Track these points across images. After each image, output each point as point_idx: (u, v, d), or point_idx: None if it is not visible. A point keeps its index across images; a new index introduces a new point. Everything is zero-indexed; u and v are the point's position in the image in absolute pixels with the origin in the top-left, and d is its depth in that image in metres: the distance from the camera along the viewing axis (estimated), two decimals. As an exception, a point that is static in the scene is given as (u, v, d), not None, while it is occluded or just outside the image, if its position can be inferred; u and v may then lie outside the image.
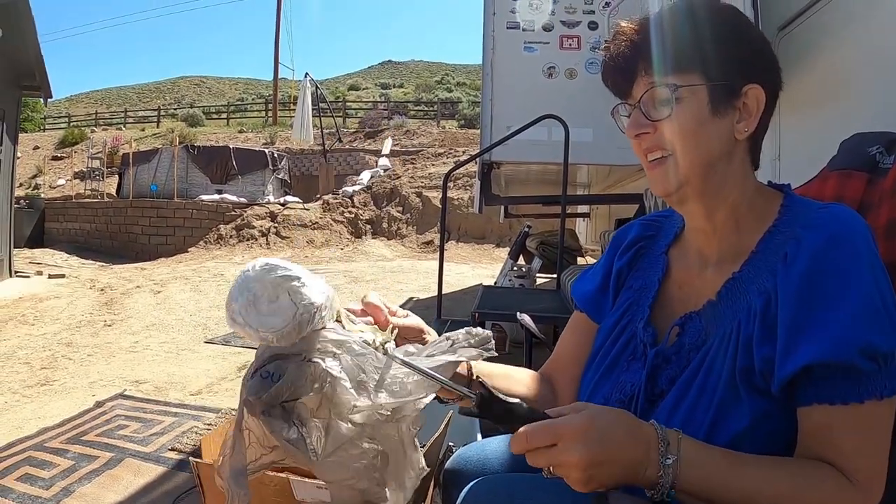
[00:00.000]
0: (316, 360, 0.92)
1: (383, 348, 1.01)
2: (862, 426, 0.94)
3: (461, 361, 1.01)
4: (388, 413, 0.97)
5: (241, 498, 1.00)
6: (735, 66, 1.08)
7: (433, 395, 1.02)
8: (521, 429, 0.93)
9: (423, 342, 1.19)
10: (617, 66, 1.16)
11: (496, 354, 1.01)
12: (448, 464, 1.49)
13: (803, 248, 1.00)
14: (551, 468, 0.93)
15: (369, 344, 1.00)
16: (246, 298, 0.80)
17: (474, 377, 1.20)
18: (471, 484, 1.27)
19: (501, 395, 0.99)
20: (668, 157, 1.10)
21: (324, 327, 0.99)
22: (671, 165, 1.10)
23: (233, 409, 4.23)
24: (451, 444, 2.00)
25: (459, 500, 1.25)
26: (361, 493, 1.02)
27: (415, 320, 1.24)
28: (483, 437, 2.07)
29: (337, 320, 1.01)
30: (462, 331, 1.03)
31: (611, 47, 1.17)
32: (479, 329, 1.04)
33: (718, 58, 1.08)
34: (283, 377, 0.92)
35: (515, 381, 1.34)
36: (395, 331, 1.14)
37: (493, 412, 0.99)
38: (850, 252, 0.97)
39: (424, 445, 1.73)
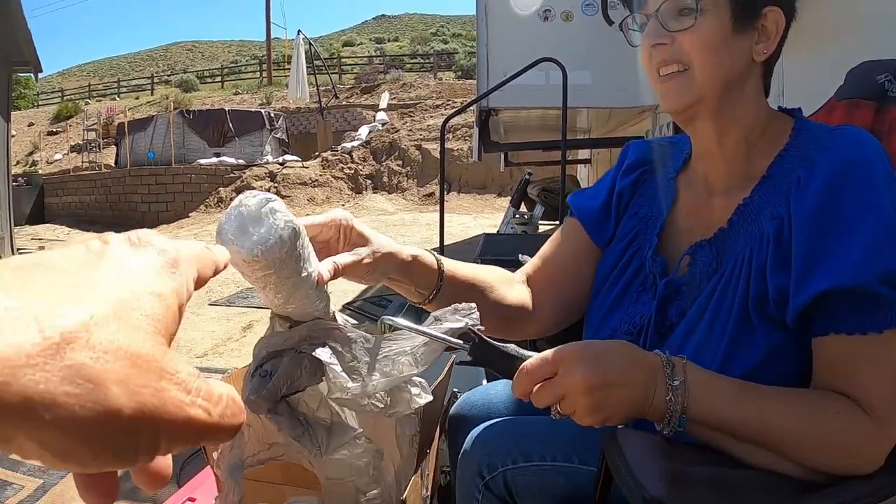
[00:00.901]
0: (305, 350, 0.91)
1: (382, 324, 0.99)
2: (880, 358, 0.91)
3: (450, 336, 0.96)
4: (382, 406, 0.95)
5: (235, 491, 1.00)
6: None
7: (426, 388, 1.00)
8: (521, 365, 0.92)
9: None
10: None
11: (482, 328, 0.97)
12: (453, 409, 1.47)
13: (817, 171, 0.96)
14: (558, 407, 0.91)
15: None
16: (236, 222, 0.80)
17: (442, 270, 1.16)
18: (476, 428, 1.24)
19: (496, 343, 0.97)
20: (684, 72, 1.05)
21: (329, 317, 0.97)
22: (687, 79, 1.05)
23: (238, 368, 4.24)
24: (455, 389, 1.98)
25: (465, 444, 1.23)
26: (356, 489, 1.02)
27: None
28: (488, 381, 2.05)
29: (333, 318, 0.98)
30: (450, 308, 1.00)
31: None
32: (464, 304, 1.00)
33: None
34: (277, 372, 0.90)
35: (482, 288, 1.21)
36: None
37: (490, 361, 0.98)
38: (866, 174, 0.93)
39: (429, 390, 1.70)
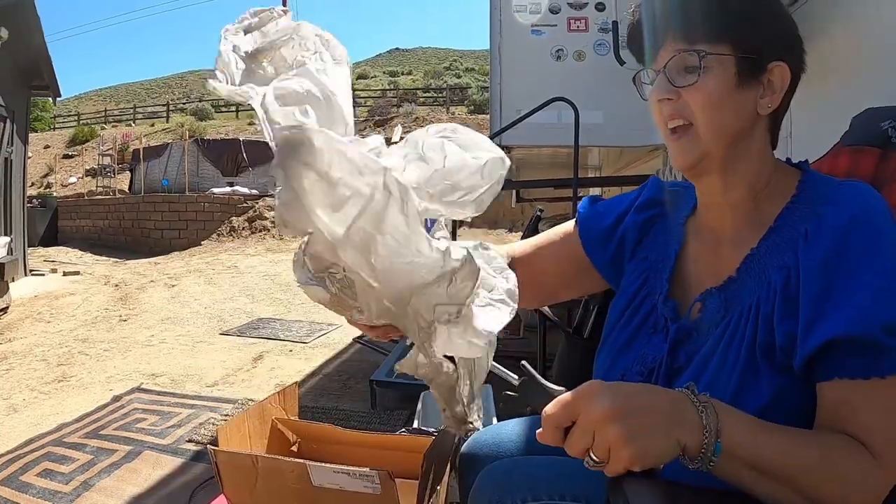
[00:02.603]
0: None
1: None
2: (883, 402, 0.93)
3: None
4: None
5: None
6: (764, 42, 1.07)
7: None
8: (543, 412, 0.91)
9: None
10: (644, 31, 1.15)
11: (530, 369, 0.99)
12: (464, 448, 1.49)
13: (825, 225, 0.99)
14: (591, 452, 0.86)
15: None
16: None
17: None
18: (488, 466, 1.27)
19: (545, 382, 0.97)
20: (689, 127, 1.08)
21: None
22: (693, 137, 1.08)
23: (249, 400, 4.26)
24: (466, 428, 2.00)
25: (476, 481, 1.25)
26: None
27: None
28: (498, 420, 2.07)
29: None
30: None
31: (639, 11, 1.16)
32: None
33: (748, 31, 1.07)
34: None
35: None
36: None
37: (535, 400, 0.96)
38: (873, 230, 0.96)
39: (442, 428, 1.72)
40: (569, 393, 0.90)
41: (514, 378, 1.00)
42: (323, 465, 1.63)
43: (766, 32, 1.08)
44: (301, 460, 1.66)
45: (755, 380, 1.00)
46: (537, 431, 0.92)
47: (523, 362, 0.99)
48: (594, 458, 0.86)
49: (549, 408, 0.90)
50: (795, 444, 0.91)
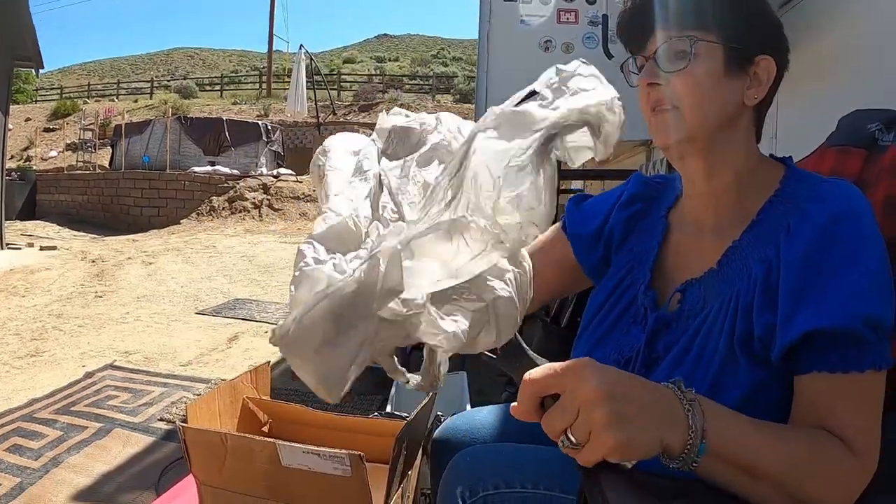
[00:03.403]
0: None
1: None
2: (861, 396, 0.94)
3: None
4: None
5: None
6: (751, 35, 1.10)
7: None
8: (525, 375, 0.85)
9: None
10: (635, 19, 1.16)
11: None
12: (437, 433, 1.49)
13: (808, 220, 1.00)
14: (569, 434, 0.80)
15: None
16: None
17: None
18: (460, 452, 1.26)
19: (530, 352, 0.95)
20: (675, 110, 1.09)
21: None
22: (677, 117, 1.09)
23: (223, 379, 4.24)
24: (439, 413, 2.00)
25: (448, 467, 1.25)
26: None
27: None
28: (472, 405, 2.06)
29: None
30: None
31: (630, 0, 1.17)
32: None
33: (738, 22, 1.09)
34: None
35: None
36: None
37: (515, 367, 0.92)
38: (855, 227, 0.97)
39: (413, 413, 1.71)
40: (558, 363, 0.85)
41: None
42: (293, 444, 1.61)
43: (753, 25, 1.10)
44: (271, 440, 1.65)
45: (733, 372, 1.01)
46: (511, 405, 0.87)
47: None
48: (572, 438, 0.80)
49: (534, 372, 0.84)
50: (782, 440, 0.90)
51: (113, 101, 34.96)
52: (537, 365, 0.88)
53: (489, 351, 0.92)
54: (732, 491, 0.90)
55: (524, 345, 0.94)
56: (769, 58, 1.10)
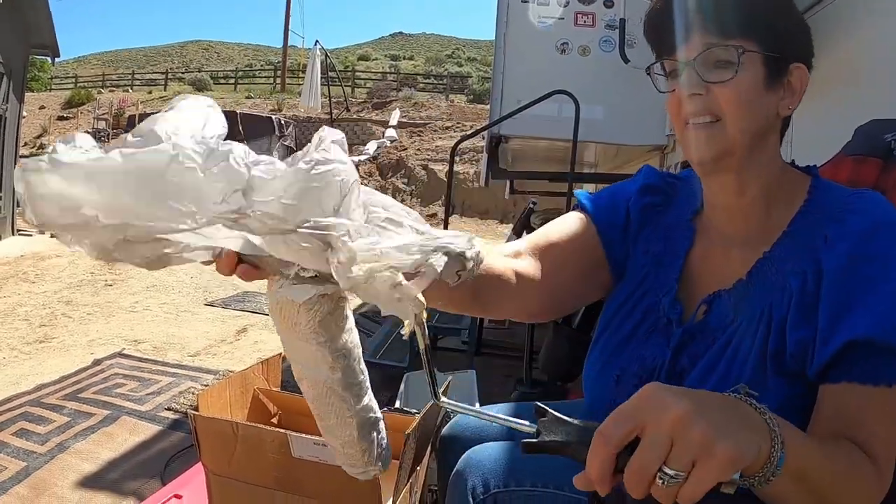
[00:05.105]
0: None
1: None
2: (888, 410, 0.93)
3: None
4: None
5: None
6: (788, 41, 1.07)
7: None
8: (595, 432, 0.76)
9: None
10: (668, 21, 1.10)
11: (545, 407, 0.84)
12: (445, 430, 1.48)
13: (847, 230, 0.98)
14: (665, 468, 0.71)
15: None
16: None
17: None
18: (471, 450, 1.26)
19: (567, 417, 0.82)
20: (716, 123, 1.05)
21: None
22: (718, 130, 1.05)
23: (231, 371, 4.25)
24: (448, 410, 1.99)
25: (459, 464, 1.24)
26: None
27: None
28: (481, 404, 2.06)
29: None
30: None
31: (662, 1, 1.13)
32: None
33: (776, 29, 1.06)
34: None
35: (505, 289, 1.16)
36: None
37: (566, 442, 0.80)
38: (894, 238, 0.97)
39: (423, 410, 1.71)
40: (625, 403, 0.76)
41: (525, 425, 0.84)
42: (304, 435, 1.61)
43: (790, 32, 1.08)
44: (282, 430, 1.65)
45: (762, 388, 0.98)
46: (575, 478, 0.79)
47: (537, 403, 0.84)
48: (670, 472, 0.71)
49: (606, 426, 0.75)
50: (829, 452, 0.87)
51: (127, 91, 35.05)
52: (589, 426, 0.79)
53: (523, 427, 0.84)
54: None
55: (559, 414, 0.82)
56: (802, 66, 1.07)
